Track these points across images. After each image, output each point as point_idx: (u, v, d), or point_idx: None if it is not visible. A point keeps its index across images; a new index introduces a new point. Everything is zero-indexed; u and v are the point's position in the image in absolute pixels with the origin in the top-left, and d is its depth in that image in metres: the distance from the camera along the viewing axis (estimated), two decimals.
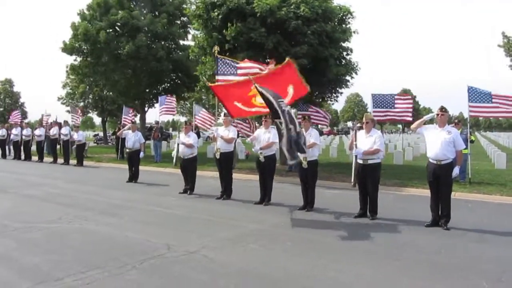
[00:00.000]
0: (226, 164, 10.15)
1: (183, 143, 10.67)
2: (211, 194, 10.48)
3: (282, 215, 8.27)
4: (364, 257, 5.58)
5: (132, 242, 6.31)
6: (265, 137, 9.21)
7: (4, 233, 6.78)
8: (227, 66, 9.90)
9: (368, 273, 4.97)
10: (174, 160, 10.78)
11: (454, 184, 11.12)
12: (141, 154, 13.42)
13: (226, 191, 10.10)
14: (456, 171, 7.09)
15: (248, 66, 9.79)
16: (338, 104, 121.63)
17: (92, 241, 6.34)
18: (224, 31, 14.29)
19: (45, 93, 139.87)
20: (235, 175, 13.84)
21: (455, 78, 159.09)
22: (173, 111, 19.41)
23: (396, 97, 14.36)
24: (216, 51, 10.24)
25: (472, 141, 13.07)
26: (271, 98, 7.79)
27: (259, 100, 8.36)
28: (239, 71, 9.78)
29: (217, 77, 10.06)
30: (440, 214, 7.15)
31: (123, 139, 15.43)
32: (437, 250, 5.89)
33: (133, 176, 13.25)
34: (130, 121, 18.01)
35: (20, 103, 62.59)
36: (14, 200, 9.96)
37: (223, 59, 10.14)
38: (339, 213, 8.35)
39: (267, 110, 8.24)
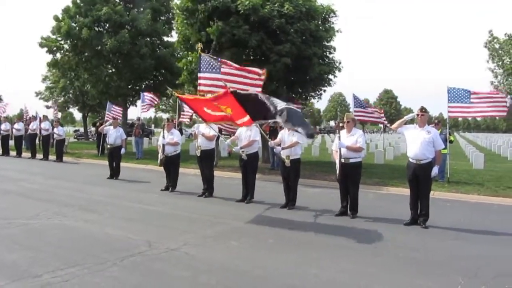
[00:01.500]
0: (207, 161, 10.12)
1: (168, 143, 10.59)
2: (193, 192, 10.45)
3: (264, 213, 8.31)
4: (345, 254, 5.66)
5: (112, 238, 6.25)
6: (246, 135, 9.22)
7: None
8: (210, 64, 9.86)
9: (349, 269, 5.04)
10: (159, 161, 10.69)
11: (433, 183, 11.36)
12: (123, 150, 13.28)
13: (208, 189, 10.08)
14: (435, 170, 7.22)
15: (229, 72, 9.80)
16: (321, 103, 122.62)
17: (71, 238, 6.26)
18: (207, 29, 14.25)
19: (23, 88, 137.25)
20: (217, 173, 13.84)
21: (436, 78, 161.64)
22: (148, 108, 19.42)
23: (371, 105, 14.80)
24: (199, 48, 10.18)
25: (451, 141, 13.32)
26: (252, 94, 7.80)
27: (224, 108, 8.39)
28: (222, 70, 9.74)
29: (200, 75, 10.00)
30: (419, 212, 7.28)
31: (104, 135, 15.24)
32: (416, 248, 6.00)
33: (114, 173, 13.11)
34: (112, 117, 17.79)
35: None
36: None
37: (205, 57, 10.10)
38: (320, 211, 8.43)
39: (234, 116, 8.21)
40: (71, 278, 4.62)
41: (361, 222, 7.51)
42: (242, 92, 8.03)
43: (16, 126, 21.07)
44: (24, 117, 23.16)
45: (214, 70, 9.75)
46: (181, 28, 15.93)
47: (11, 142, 21.36)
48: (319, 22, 15.51)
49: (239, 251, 5.78)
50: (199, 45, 10.27)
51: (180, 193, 10.51)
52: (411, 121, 8.08)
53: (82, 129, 41.16)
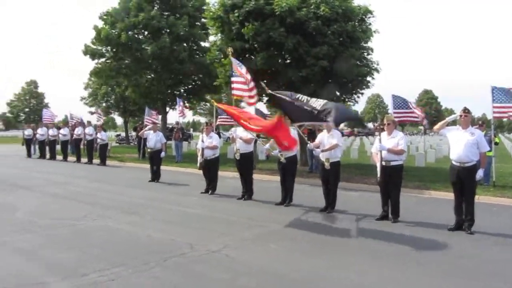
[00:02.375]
0: (246, 165, 10.21)
1: (206, 146, 10.74)
2: (232, 195, 10.55)
3: (302, 216, 8.28)
4: (385, 259, 5.56)
5: (155, 240, 6.42)
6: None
7: (31, 230, 6.98)
8: (239, 68, 9.98)
9: (389, 275, 4.95)
10: (198, 164, 10.88)
11: (478, 187, 10.95)
12: (163, 154, 13.58)
13: (247, 192, 10.16)
14: (480, 173, 6.97)
15: (241, 81, 10.01)
16: (359, 105, 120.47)
17: (115, 239, 6.48)
18: (242, 30, 14.35)
19: (68, 94, 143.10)
20: (255, 176, 13.90)
21: (479, 78, 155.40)
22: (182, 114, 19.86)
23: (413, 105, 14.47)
24: (230, 52, 10.26)
25: (496, 143, 12.82)
26: (287, 98, 7.84)
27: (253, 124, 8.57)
28: (235, 75, 9.96)
29: (232, 79, 10.11)
30: (464, 217, 7.04)
31: (145, 139, 15.63)
32: (460, 254, 5.82)
33: (155, 176, 13.43)
34: (151, 122, 18.26)
35: (44, 104, 63.99)
36: (40, 198, 10.22)
37: (236, 61, 10.21)
38: (360, 215, 8.31)
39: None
40: (117, 277, 4.78)
41: (403, 227, 7.34)
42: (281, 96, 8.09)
43: (62, 131, 21.99)
44: (70, 123, 24.08)
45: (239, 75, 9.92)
46: (213, 40, 16.23)
47: (58, 147, 22.31)
48: (356, 23, 15.32)
49: (277, 254, 5.80)
50: (230, 49, 10.34)
51: (219, 196, 10.64)
52: (453, 123, 7.83)
53: (123, 134, 42.39)
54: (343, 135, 50.22)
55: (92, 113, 32.31)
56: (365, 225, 7.55)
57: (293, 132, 9.34)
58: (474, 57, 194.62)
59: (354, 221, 7.83)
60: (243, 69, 10.28)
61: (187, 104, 20.01)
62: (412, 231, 7.04)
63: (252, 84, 10.32)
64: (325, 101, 7.27)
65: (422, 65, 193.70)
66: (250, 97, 10.17)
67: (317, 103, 7.16)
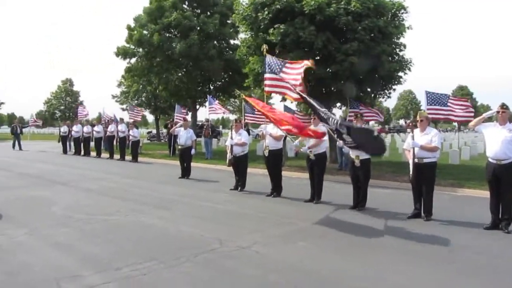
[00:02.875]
0: (275, 162, 10.21)
1: (235, 143, 10.81)
2: (261, 191, 10.58)
3: (332, 214, 8.22)
4: (418, 259, 5.45)
5: (185, 236, 6.52)
6: None
7: (67, 224, 7.21)
8: (275, 65, 9.88)
9: (419, 275, 4.85)
10: (227, 161, 10.96)
11: None
12: (193, 151, 13.75)
13: (276, 189, 10.16)
14: None
15: (293, 73, 9.71)
16: (390, 101, 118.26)
17: (148, 234, 6.61)
18: (269, 31, 14.32)
19: (101, 92, 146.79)
20: (284, 173, 13.87)
21: None
22: (219, 112, 19.86)
23: (451, 97, 13.94)
24: (264, 50, 10.26)
25: None
26: (317, 106, 7.85)
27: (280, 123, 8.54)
28: (284, 69, 9.69)
29: (266, 75, 10.07)
30: (501, 216, 6.83)
31: (175, 136, 15.85)
32: (498, 254, 5.64)
33: (185, 172, 13.61)
34: (182, 119, 18.51)
35: (79, 101, 65.84)
36: (75, 193, 10.52)
37: (271, 58, 10.14)
38: (391, 213, 8.18)
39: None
40: (149, 272, 4.88)
41: (436, 226, 7.18)
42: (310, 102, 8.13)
43: (96, 128, 22.58)
44: (103, 120, 24.71)
45: (276, 71, 9.76)
46: (243, 37, 16.26)
47: (92, 144, 22.93)
48: (388, 19, 15.01)
49: (307, 251, 5.78)
50: (265, 47, 10.34)
51: (248, 193, 10.69)
52: (490, 120, 7.60)
53: (154, 131, 43.15)
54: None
55: (124, 109, 33.03)
56: (397, 223, 7.42)
57: (322, 128, 9.29)
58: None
59: (385, 219, 7.71)
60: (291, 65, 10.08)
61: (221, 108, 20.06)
62: (445, 230, 6.87)
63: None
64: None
65: (456, 60, 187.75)
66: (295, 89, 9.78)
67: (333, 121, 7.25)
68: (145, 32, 21.87)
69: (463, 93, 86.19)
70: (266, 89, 10.18)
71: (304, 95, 8.47)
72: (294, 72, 9.46)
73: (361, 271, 4.97)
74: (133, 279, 4.68)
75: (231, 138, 10.89)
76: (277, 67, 9.88)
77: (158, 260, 5.27)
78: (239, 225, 7.21)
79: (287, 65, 9.93)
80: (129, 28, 22.75)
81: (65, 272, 4.88)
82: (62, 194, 10.31)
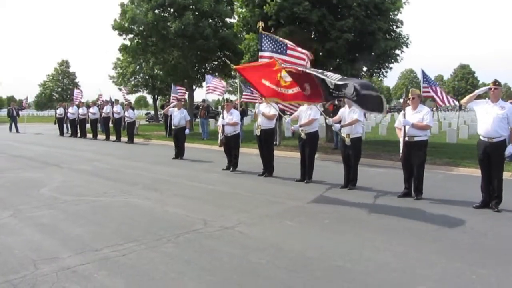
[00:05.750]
0: (267, 141, 10.10)
1: (227, 123, 10.68)
2: (254, 171, 10.50)
3: (323, 193, 8.13)
4: (403, 237, 5.37)
5: (170, 216, 6.45)
6: (307, 114, 9.03)
7: (54, 205, 7.14)
8: (272, 43, 9.62)
9: (405, 254, 4.77)
10: (219, 141, 10.85)
11: (508, 163, 10.46)
12: (187, 131, 13.63)
13: (268, 168, 10.07)
14: (509, 149, 6.59)
15: (296, 56, 9.43)
16: (391, 81, 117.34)
17: (133, 215, 6.53)
18: (264, 7, 14.03)
19: (99, 72, 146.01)
20: (279, 153, 13.84)
21: None
22: (221, 92, 19.44)
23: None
24: (260, 27, 10.01)
25: None
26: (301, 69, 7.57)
27: (284, 77, 8.11)
28: (289, 52, 9.44)
29: (261, 53, 9.84)
30: (491, 195, 6.73)
31: (171, 116, 15.70)
32: (484, 233, 5.56)
33: (179, 153, 13.52)
34: (176, 99, 18.32)
35: (76, 83, 65.31)
36: (67, 174, 10.46)
37: (267, 36, 9.89)
38: (382, 192, 8.10)
39: (294, 89, 8.05)
40: (128, 252, 4.82)
41: (426, 204, 7.10)
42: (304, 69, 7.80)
43: (91, 110, 22.42)
44: (98, 101, 24.51)
45: (276, 50, 9.50)
46: (240, 11, 15.89)
47: (88, 126, 22.82)
48: None
49: (293, 231, 5.71)
50: (260, 24, 10.08)
51: (241, 173, 10.61)
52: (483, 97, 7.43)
53: (153, 112, 42.90)
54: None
55: (120, 89, 32.68)
56: (387, 202, 7.34)
57: (315, 108, 9.12)
58: None
59: (376, 198, 7.64)
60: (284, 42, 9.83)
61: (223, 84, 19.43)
62: (435, 209, 6.79)
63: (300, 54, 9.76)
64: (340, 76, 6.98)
65: (458, 38, 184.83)
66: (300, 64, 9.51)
67: (334, 77, 6.86)
68: (137, 11, 21.46)
69: (464, 72, 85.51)
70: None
71: (304, 69, 8.10)
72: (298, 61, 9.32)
73: (346, 250, 4.90)
74: (112, 260, 4.61)
75: (222, 118, 10.76)
76: (281, 48, 9.61)
77: (139, 241, 5.20)
78: (226, 205, 7.13)
79: (289, 46, 9.70)
80: (122, 5, 22.34)
81: (44, 253, 4.81)
82: (53, 176, 10.24)
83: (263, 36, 10.03)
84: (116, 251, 4.87)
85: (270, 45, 9.84)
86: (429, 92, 13.21)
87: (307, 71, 7.51)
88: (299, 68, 7.72)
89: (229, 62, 10.27)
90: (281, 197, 7.74)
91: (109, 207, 7.04)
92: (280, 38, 9.94)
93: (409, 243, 5.13)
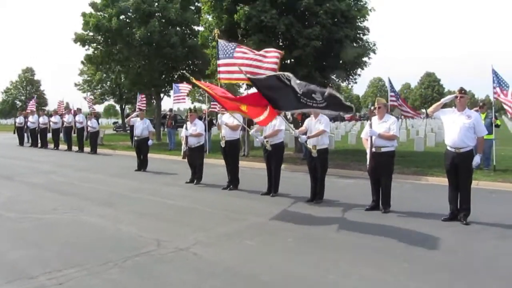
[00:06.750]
0: (231, 152, 9.68)
1: (190, 134, 10.23)
2: (218, 184, 10.05)
3: (288, 208, 7.76)
4: (371, 256, 5.03)
5: (122, 236, 5.93)
6: (271, 124, 8.62)
7: None
8: (226, 49, 9.29)
9: (372, 276, 4.42)
10: (182, 153, 10.39)
11: (478, 171, 10.43)
12: (150, 142, 13.05)
13: (233, 181, 9.64)
14: (476, 160, 6.42)
15: (243, 57, 9.15)
16: (360, 89, 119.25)
17: (80, 235, 5.97)
18: (235, 15, 13.71)
19: (64, 80, 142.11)
20: (248, 164, 13.45)
21: (484, 52, 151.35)
22: (184, 99, 19.01)
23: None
24: (216, 35, 9.66)
25: (497, 126, 12.21)
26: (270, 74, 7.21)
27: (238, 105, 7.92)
28: (235, 54, 9.12)
29: (219, 62, 9.47)
30: (459, 207, 6.51)
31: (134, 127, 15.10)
32: (454, 249, 5.29)
33: (142, 165, 12.93)
34: (139, 109, 17.72)
35: (40, 91, 63.25)
36: (17, 188, 9.76)
37: (222, 42, 9.55)
38: (350, 205, 7.78)
39: (251, 113, 7.79)
40: (67, 280, 4.30)
41: (393, 218, 6.82)
42: (262, 77, 7.40)
43: (53, 119, 21.50)
44: (60, 110, 23.59)
45: (229, 55, 9.17)
46: (206, 17, 15.54)
47: (49, 135, 21.86)
48: (351, 1, 14.59)
49: (252, 252, 5.28)
50: (216, 31, 9.73)
51: (205, 186, 10.15)
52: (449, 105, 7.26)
53: (121, 121, 41.88)
54: (343, 119, 49.38)
55: (85, 98, 31.70)
56: (354, 216, 7.01)
57: (280, 119, 8.76)
58: (477, 32, 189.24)
59: (343, 212, 7.30)
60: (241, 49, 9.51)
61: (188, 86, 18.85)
62: (403, 223, 6.51)
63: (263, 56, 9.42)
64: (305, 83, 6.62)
65: (424, 45, 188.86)
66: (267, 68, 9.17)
67: (299, 85, 6.51)
68: (101, 16, 20.77)
69: (430, 79, 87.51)
70: (220, 75, 9.56)
71: (255, 76, 7.74)
72: (266, 60, 9.03)
73: (308, 273, 4.52)
74: None
75: (186, 128, 10.30)
76: (230, 50, 9.31)
77: (82, 266, 4.68)
78: (184, 223, 6.66)
79: (239, 48, 9.39)
80: (84, 15, 21.60)
81: None
82: (2, 190, 9.53)
83: (219, 43, 9.70)
84: (54, 278, 4.34)
85: (225, 52, 9.53)
86: (396, 101, 13.11)
87: (268, 73, 7.18)
88: (258, 71, 7.38)
89: (188, 75, 9.79)
90: (243, 213, 7.30)
91: (55, 226, 6.45)
92: (229, 43, 9.64)
93: (377, 263, 4.78)
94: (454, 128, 6.41)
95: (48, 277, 4.39)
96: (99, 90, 34.15)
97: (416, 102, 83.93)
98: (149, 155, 13.43)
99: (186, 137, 10.24)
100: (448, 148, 6.59)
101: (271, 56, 9.12)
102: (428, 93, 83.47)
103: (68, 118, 20.67)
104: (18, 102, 62.38)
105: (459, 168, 6.44)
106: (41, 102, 46.79)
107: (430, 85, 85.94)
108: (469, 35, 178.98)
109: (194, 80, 8.81)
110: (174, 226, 6.44)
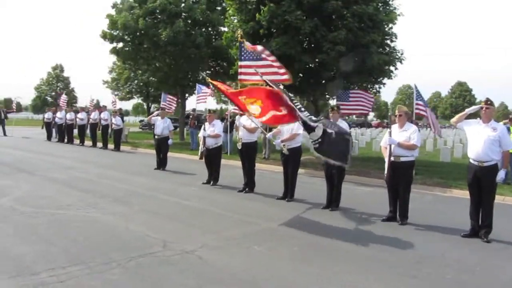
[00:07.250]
0: (248, 155, 9.58)
1: (208, 135, 10.18)
2: (235, 186, 9.95)
3: (302, 214, 7.58)
4: (377, 269, 4.82)
5: (130, 235, 5.89)
6: (289, 128, 8.49)
7: (7, 218, 6.59)
8: (249, 52, 9.22)
9: None
10: (199, 153, 10.35)
11: (505, 187, 9.98)
12: (170, 141, 13.08)
13: (249, 184, 9.54)
14: (501, 175, 6.07)
15: (267, 65, 9.12)
16: (389, 96, 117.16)
17: (89, 232, 5.97)
18: (257, 14, 13.60)
19: (95, 78, 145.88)
20: (267, 166, 13.29)
21: None
22: (204, 100, 19.10)
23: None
24: (239, 36, 9.58)
25: None
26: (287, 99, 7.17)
27: (253, 109, 7.84)
28: (263, 57, 9.06)
29: (240, 63, 9.40)
30: (481, 223, 6.20)
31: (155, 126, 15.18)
32: (470, 268, 5.01)
33: (161, 163, 12.98)
34: (160, 108, 17.84)
35: (70, 88, 64.77)
36: (37, 183, 9.89)
37: (247, 45, 9.47)
38: (366, 214, 7.57)
39: (267, 115, 7.73)
40: (68, 278, 4.27)
41: (410, 230, 6.56)
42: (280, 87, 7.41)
43: (79, 115, 21.86)
44: (88, 107, 24.03)
45: (252, 58, 9.09)
46: (231, 19, 15.52)
47: (75, 131, 22.27)
48: (379, 5, 14.25)
49: (259, 258, 5.15)
50: (239, 32, 9.65)
51: (221, 187, 10.06)
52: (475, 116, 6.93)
53: (147, 119, 42.34)
54: (370, 126, 48.48)
55: (116, 95, 32.27)
56: (368, 227, 6.78)
57: (297, 122, 8.60)
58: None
59: (357, 222, 7.08)
60: (263, 51, 9.49)
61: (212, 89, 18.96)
62: (419, 236, 6.25)
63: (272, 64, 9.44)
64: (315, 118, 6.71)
65: (456, 53, 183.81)
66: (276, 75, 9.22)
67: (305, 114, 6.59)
68: (128, 15, 21.02)
69: (462, 89, 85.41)
70: (241, 77, 9.49)
71: (277, 88, 7.72)
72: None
73: (311, 283, 4.36)
74: (47, 286, 4.07)
75: (204, 129, 10.26)
76: (253, 53, 9.24)
77: (85, 264, 4.65)
78: (194, 225, 6.57)
79: (263, 56, 9.35)
80: (110, 17, 21.93)
81: None
82: (21, 184, 9.67)
83: (241, 45, 9.64)
84: (55, 275, 4.32)
85: (247, 54, 9.47)
86: (423, 110, 12.69)
87: (283, 95, 7.11)
88: (274, 86, 7.30)
89: (206, 77, 9.85)
90: (255, 217, 7.18)
91: (67, 222, 6.47)
92: (256, 48, 9.59)
93: (383, 278, 4.57)
94: (478, 140, 6.11)
95: (51, 274, 4.37)
96: (127, 89, 34.64)
97: (446, 111, 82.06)
98: (170, 154, 13.46)
99: (204, 138, 10.19)
100: (471, 161, 6.29)
101: (283, 73, 9.15)
102: (459, 103, 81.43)
103: (93, 115, 21.01)
104: (49, 98, 64.07)
105: (481, 182, 6.13)
106: (71, 98, 47.79)
107: (461, 95, 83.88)
108: (505, 48, 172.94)
109: (210, 80, 8.75)
110: (183, 228, 6.37)
